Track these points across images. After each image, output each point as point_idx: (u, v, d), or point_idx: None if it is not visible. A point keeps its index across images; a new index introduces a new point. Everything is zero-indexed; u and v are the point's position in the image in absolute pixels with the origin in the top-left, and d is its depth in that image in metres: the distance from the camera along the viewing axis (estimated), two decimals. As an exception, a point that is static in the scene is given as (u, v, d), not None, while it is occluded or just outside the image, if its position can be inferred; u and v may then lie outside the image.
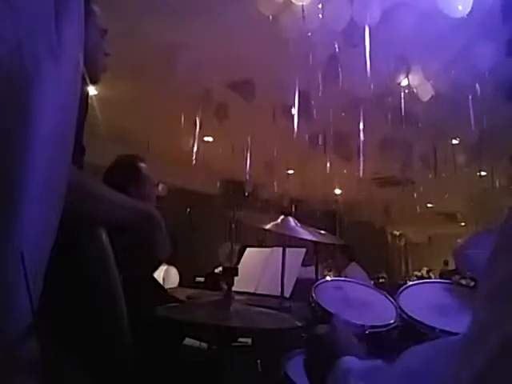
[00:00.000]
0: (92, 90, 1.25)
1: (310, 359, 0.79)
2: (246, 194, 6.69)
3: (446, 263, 9.46)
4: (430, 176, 5.40)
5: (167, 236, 0.94)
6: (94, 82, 1.05)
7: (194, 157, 5.28)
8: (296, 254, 2.15)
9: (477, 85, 3.60)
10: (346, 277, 3.96)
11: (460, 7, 2.81)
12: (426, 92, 3.96)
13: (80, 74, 0.62)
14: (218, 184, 7.68)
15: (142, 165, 1.77)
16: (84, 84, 0.64)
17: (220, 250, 6.10)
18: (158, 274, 3.99)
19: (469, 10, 2.81)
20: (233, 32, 3.51)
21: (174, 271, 4.61)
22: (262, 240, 4.76)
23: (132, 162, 1.78)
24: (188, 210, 7.11)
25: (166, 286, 2.16)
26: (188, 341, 1.69)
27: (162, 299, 1.60)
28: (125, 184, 1.58)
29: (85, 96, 0.92)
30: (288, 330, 1.23)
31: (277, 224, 1.67)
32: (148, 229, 0.90)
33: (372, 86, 3.48)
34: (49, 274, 0.58)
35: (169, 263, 4.37)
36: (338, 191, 8.27)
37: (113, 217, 0.87)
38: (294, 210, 6.30)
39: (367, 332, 1.05)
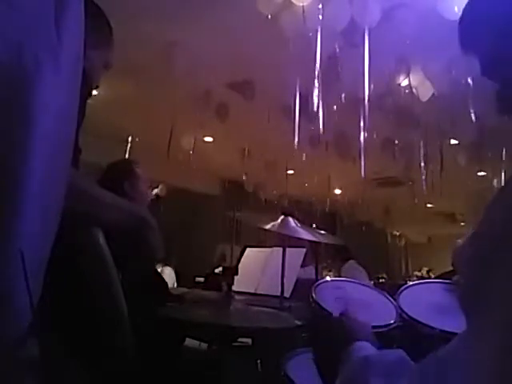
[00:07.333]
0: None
1: (322, 345, 0.75)
2: (247, 194, 6.69)
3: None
4: (430, 176, 5.39)
5: (160, 237, 0.94)
6: None
7: (194, 157, 5.29)
8: (296, 254, 2.15)
9: (477, 85, 3.59)
10: (342, 276, 3.95)
11: (456, 9, 2.81)
12: (426, 92, 3.95)
13: (80, 73, 0.62)
14: (219, 184, 7.68)
15: (136, 165, 1.94)
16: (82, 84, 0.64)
17: (217, 250, 6.09)
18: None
19: None
20: (233, 32, 3.51)
21: (168, 271, 4.59)
22: (262, 239, 4.75)
23: (127, 162, 2.00)
24: (188, 210, 7.10)
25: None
26: (188, 341, 1.68)
27: (165, 296, 1.61)
28: (121, 180, 1.75)
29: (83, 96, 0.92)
30: (288, 329, 1.23)
31: (277, 224, 1.67)
32: (140, 230, 0.91)
33: (372, 86, 3.47)
34: (48, 274, 0.58)
35: (163, 263, 4.36)
36: (338, 191, 8.26)
37: (104, 217, 0.87)
38: (294, 210, 6.29)
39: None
